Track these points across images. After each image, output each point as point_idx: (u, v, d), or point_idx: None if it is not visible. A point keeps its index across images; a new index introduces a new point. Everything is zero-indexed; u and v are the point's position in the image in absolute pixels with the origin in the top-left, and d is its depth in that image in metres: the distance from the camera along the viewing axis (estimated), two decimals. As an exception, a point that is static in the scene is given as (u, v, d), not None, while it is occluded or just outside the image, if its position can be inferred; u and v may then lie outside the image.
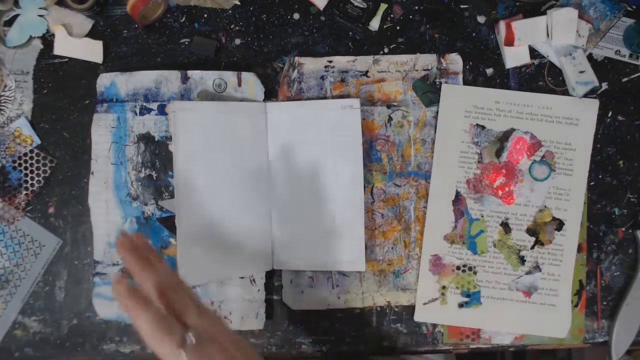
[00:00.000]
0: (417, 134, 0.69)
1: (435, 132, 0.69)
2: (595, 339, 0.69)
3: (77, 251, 0.68)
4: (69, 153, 0.69)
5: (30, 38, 0.68)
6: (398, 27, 0.70)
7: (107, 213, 0.68)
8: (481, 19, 0.70)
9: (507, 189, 0.68)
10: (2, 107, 0.68)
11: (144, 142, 0.68)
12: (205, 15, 0.70)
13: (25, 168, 0.68)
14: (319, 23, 0.70)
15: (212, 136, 0.65)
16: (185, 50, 0.69)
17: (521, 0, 0.69)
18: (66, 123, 0.69)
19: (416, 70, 0.69)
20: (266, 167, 0.68)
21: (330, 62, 0.69)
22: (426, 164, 0.69)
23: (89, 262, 0.68)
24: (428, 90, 0.68)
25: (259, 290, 0.68)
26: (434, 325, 0.69)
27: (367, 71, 0.69)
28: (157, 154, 0.68)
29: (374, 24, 0.69)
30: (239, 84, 0.68)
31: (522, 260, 0.68)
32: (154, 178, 0.68)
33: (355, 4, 0.68)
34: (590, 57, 0.69)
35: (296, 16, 0.70)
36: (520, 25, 0.66)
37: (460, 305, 0.68)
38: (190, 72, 0.68)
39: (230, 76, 0.68)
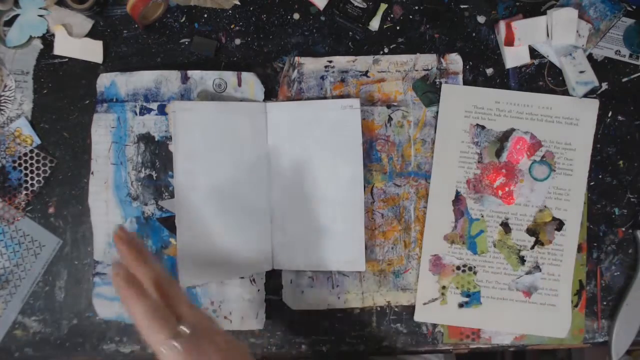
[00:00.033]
0: (417, 134, 0.69)
1: (435, 132, 0.69)
2: (595, 339, 0.69)
3: (77, 251, 0.68)
4: (69, 153, 0.69)
5: (30, 38, 0.68)
6: (398, 27, 0.70)
7: (107, 213, 0.68)
8: (481, 19, 0.70)
9: (507, 189, 0.68)
10: (2, 107, 0.68)
11: (144, 142, 0.68)
12: (205, 15, 0.70)
13: (25, 168, 0.68)
14: (319, 23, 0.70)
15: (212, 136, 0.65)
16: (185, 50, 0.69)
17: (521, 0, 0.69)
18: (66, 123, 0.69)
19: (416, 70, 0.69)
20: (266, 167, 0.68)
21: (330, 62, 0.69)
22: (426, 164, 0.69)
23: (89, 262, 0.68)
24: (428, 90, 0.68)
25: (259, 290, 0.68)
26: (434, 325, 0.69)
27: (367, 71, 0.69)
28: (157, 154, 0.68)
29: (374, 24, 0.69)
30: (239, 84, 0.68)
31: (522, 260, 0.68)
32: (154, 178, 0.68)
33: (355, 4, 0.68)
34: (590, 57, 0.69)
35: (296, 16, 0.70)
36: (520, 25, 0.66)
37: (460, 305, 0.68)
38: (190, 72, 0.68)
39: (230, 76, 0.68)
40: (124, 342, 0.68)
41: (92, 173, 0.68)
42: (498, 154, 0.68)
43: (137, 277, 0.50)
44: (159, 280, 0.51)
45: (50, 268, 0.68)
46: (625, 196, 0.70)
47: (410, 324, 0.69)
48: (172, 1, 0.69)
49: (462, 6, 0.70)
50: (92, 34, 0.69)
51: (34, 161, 0.68)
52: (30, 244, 0.68)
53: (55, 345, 0.68)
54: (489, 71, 0.69)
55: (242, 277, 0.67)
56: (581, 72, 0.67)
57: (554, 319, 0.68)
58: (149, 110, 0.68)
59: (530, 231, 0.68)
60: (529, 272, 0.68)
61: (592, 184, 0.69)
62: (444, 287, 0.68)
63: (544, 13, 0.68)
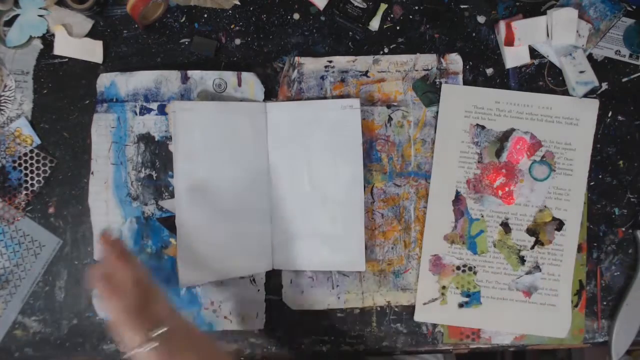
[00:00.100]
0: (417, 134, 0.69)
1: (435, 132, 0.69)
2: (595, 339, 0.69)
3: (77, 251, 0.68)
4: (69, 153, 0.69)
5: (30, 38, 0.68)
6: (398, 27, 0.70)
7: (107, 213, 0.68)
8: (481, 19, 0.70)
9: (507, 189, 0.68)
10: (2, 107, 0.68)
11: (144, 142, 0.68)
12: (205, 15, 0.70)
13: (25, 168, 0.68)
14: (319, 23, 0.70)
15: (212, 136, 0.65)
16: (185, 50, 0.69)
17: (521, 0, 0.69)
18: (66, 123, 0.69)
19: (416, 70, 0.69)
20: (266, 167, 0.68)
21: (330, 62, 0.69)
22: (426, 164, 0.69)
23: (89, 262, 0.68)
24: (428, 90, 0.68)
25: (259, 290, 0.68)
26: (434, 325, 0.69)
27: (367, 71, 0.69)
28: (157, 154, 0.68)
29: (374, 24, 0.69)
30: (239, 84, 0.68)
31: (522, 260, 0.68)
32: (154, 178, 0.68)
33: (355, 4, 0.68)
34: (590, 57, 0.69)
35: (296, 16, 0.70)
36: (520, 25, 0.66)
37: (460, 305, 0.68)
38: (190, 72, 0.68)
39: (230, 76, 0.68)
40: (124, 342, 0.68)
41: (92, 173, 0.68)
42: (498, 154, 0.68)
43: (118, 277, 0.51)
44: (139, 282, 0.51)
45: (50, 268, 0.68)
46: (625, 196, 0.70)
47: (410, 324, 0.69)
48: (172, 1, 0.69)
49: (462, 6, 0.70)
50: (92, 34, 0.69)
51: (34, 161, 0.68)
52: (30, 244, 0.68)
53: (55, 345, 0.68)
54: (489, 71, 0.69)
55: (242, 277, 0.67)
56: (581, 72, 0.67)
57: (554, 319, 0.68)
58: (149, 110, 0.68)
59: (530, 231, 0.68)
60: (529, 272, 0.68)
61: (592, 184, 0.69)
62: (444, 287, 0.68)
63: (544, 13, 0.68)
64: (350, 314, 0.69)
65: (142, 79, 0.68)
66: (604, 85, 0.69)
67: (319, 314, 0.68)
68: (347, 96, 0.69)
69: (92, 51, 0.68)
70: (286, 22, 0.70)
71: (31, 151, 0.68)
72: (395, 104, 0.69)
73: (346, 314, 0.69)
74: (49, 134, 0.69)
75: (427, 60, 0.69)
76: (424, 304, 0.68)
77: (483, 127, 0.68)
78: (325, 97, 0.69)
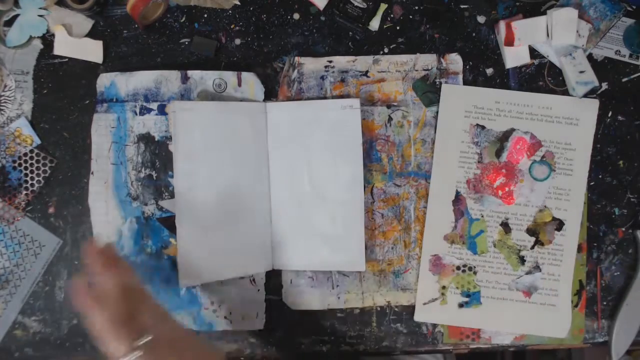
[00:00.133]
0: (417, 134, 0.69)
1: (435, 132, 0.69)
2: (595, 339, 0.69)
3: (77, 251, 0.68)
4: (69, 153, 0.69)
5: (30, 38, 0.68)
6: (398, 27, 0.70)
7: (107, 213, 0.68)
8: (481, 19, 0.70)
9: (507, 189, 0.68)
10: (2, 107, 0.68)
11: (144, 142, 0.68)
12: (205, 15, 0.70)
13: (25, 168, 0.68)
14: (319, 23, 0.70)
15: (212, 136, 0.65)
16: (185, 50, 0.69)
17: (521, 0, 0.69)
18: (66, 123, 0.69)
19: (416, 70, 0.69)
20: (266, 167, 0.68)
21: (330, 62, 0.69)
22: (426, 164, 0.69)
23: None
24: (428, 90, 0.68)
25: (259, 290, 0.68)
26: (434, 325, 0.69)
27: (367, 71, 0.69)
28: (157, 154, 0.68)
29: (374, 24, 0.69)
30: (239, 84, 0.68)
31: (522, 260, 0.68)
32: (154, 178, 0.68)
33: (355, 4, 0.68)
34: (590, 57, 0.69)
35: (296, 16, 0.70)
36: (520, 25, 0.66)
37: (460, 305, 0.68)
38: (190, 72, 0.68)
39: (230, 76, 0.68)
40: (124, 342, 0.68)
41: (92, 173, 0.68)
42: (498, 154, 0.68)
43: (102, 285, 0.50)
44: (126, 290, 0.50)
45: (50, 268, 0.68)
46: (625, 196, 0.70)
47: (410, 324, 0.69)
48: (172, 1, 0.69)
49: (462, 6, 0.70)
50: (92, 34, 0.69)
51: (34, 161, 0.68)
52: (30, 244, 0.68)
53: (55, 345, 0.68)
54: (489, 71, 0.69)
55: (242, 277, 0.67)
56: (581, 72, 0.67)
57: (554, 319, 0.68)
58: (149, 110, 0.68)
59: (530, 231, 0.68)
60: (529, 272, 0.68)
61: (592, 184, 0.69)
62: (444, 287, 0.68)
63: (544, 13, 0.68)
64: (350, 314, 0.69)
65: (142, 79, 0.68)
66: (604, 85, 0.69)
67: (319, 314, 0.68)
68: (347, 96, 0.69)
69: (92, 51, 0.68)
70: (286, 22, 0.70)
71: (31, 151, 0.68)
72: (395, 104, 0.69)
73: (346, 314, 0.69)
74: (49, 134, 0.69)
75: (427, 60, 0.69)
76: (424, 304, 0.68)
77: (483, 127, 0.68)
78: (325, 97, 0.69)
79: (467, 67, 0.69)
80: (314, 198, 0.67)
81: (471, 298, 0.68)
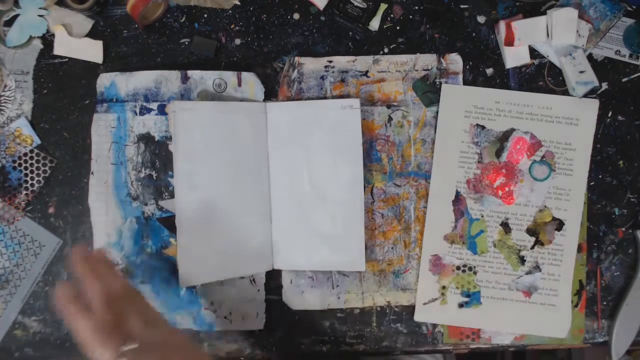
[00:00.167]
0: (417, 134, 0.69)
1: (435, 132, 0.69)
2: (595, 339, 0.69)
3: (77, 251, 0.68)
4: (69, 153, 0.69)
5: (30, 38, 0.68)
6: (398, 27, 0.70)
7: (107, 213, 0.68)
8: (481, 19, 0.70)
9: (507, 189, 0.68)
10: (2, 107, 0.68)
11: (144, 142, 0.68)
12: (205, 15, 0.70)
13: (25, 168, 0.68)
14: (319, 23, 0.70)
15: (212, 136, 0.65)
16: (185, 50, 0.69)
17: (521, 0, 0.69)
18: (66, 123, 0.69)
19: (416, 70, 0.69)
20: (266, 167, 0.68)
21: (330, 62, 0.69)
22: (426, 164, 0.69)
23: (89, 262, 0.68)
24: (428, 90, 0.68)
25: (259, 290, 0.68)
26: (434, 325, 0.69)
27: (367, 71, 0.69)
28: (157, 154, 0.68)
29: (374, 24, 0.69)
30: (239, 84, 0.68)
31: (522, 260, 0.68)
32: (154, 178, 0.68)
33: (355, 4, 0.68)
34: (590, 57, 0.69)
35: (296, 16, 0.70)
36: (520, 25, 0.66)
37: (460, 305, 0.68)
38: (190, 72, 0.68)
39: (230, 76, 0.68)
40: (124, 342, 0.68)
41: (92, 173, 0.68)
42: (498, 154, 0.68)
43: (89, 292, 0.50)
44: (108, 296, 0.50)
45: (50, 268, 0.68)
46: (625, 196, 0.70)
47: (410, 324, 0.69)
48: (172, 1, 0.69)
49: (462, 6, 0.70)
50: (92, 34, 0.69)
51: (34, 161, 0.68)
52: (30, 244, 0.68)
53: (55, 345, 0.68)
54: (489, 71, 0.69)
55: (242, 277, 0.67)
56: (581, 72, 0.67)
57: (554, 319, 0.68)
58: (149, 110, 0.68)
59: (530, 231, 0.68)
60: (529, 272, 0.68)
61: (592, 184, 0.69)
62: (444, 287, 0.68)
63: (544, 13, 0.68)
64: (350, 314, 0.69)
65: (142, 79, 0.68)
66: (604, 85, 0.69)
67: (319, 314, 0.68)
68: (347, 96, 0.69)
69: (92, 51, 0.68)
70: (286, 22, 0.70)
71: (31, 151, 0.68)
72: (395, 104, 0.69)
73: (346, 314, 0.69)
74: (49, 134, 0.69)
75: (427, 60, 0.69)
76: (424, 304, 0.68)
77: (483, 127, 0.68)
78: (325, 97, 0.69)
79: (467, 67, 0.69)
80: (314, 198, 0.67)
81: (471, 298, 0.68)
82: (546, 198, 0.68)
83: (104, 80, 0.68)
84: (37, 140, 0.68)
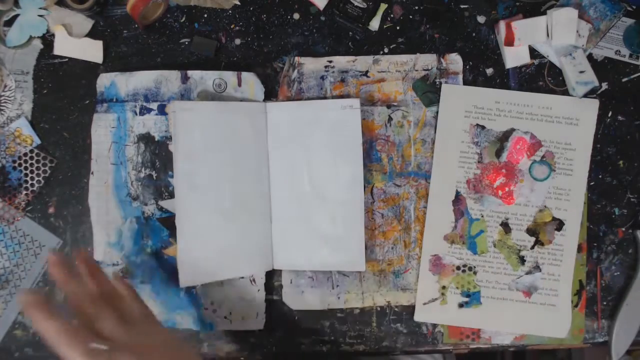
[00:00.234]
0: (417, 134, 0.69)
1: (435, 132, 0.69)
2: (595, 339, 0.69)
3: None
4: (69, 153, 0.69)
5: (30, 38, 0.68)
6: (398, 27, 0.70)
7: (107, 213, 0.68)
8: (481, 19, 0.70)
9: (507, 189, 0.68)
10: (2, 107, 0.68)
11: (144, 142, 0.68)
12: (205, 15, 0.70)
13: (25, 168, 0.68)
14: (319, 23, 0.70)
15: (212, 136, 0.65)
16: (185, 50, 0.69)
17: (521, 0, 0.69)
18: (66, 123, 0.69)
19: (416, 70, 0.69)
20: (266, 167, 0.68)
21: (330, 62, 0.69)
22: (426, 164, 0.69)
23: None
24: (428, 90, 0.68)
25: (259, 290, 0.68)
26: (434, 325, 0.69)
27: (367, 71, 0.69)
28: (157, 154, 0.68)
29: (374, 24, 0.69)
30: (239, 84, 0.68)
31: (522, 260, 0.68)
32: (154, 178, 0.68)
33: (355, 4, 0.68)
34: (590, 57, 0.69)
35: (296, 16, 0.70)
36: (520, 25, 0.66)
37: (460, 305, 0.68)
38: (190, 72, 0.68)
39: (230, 76, 0.68)
40: (124, 342, 0.68)
41: (92, 173, 0.68)
42: (498, 154, 0.68)
43: (64, 294, 0.50)
44: (79, 298, 0.50)
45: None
46: (625, 196, 0.70)
47: (410, 324, 0.69)
48: (172, 1, 0.69)
49: (462, 6, 0.70)
50: (92, 34, 0.69)
51: (34, 161, 0.68)
52: (30, 244, 0.68)
53: (55, 345, 0.68)
54: (489, 71, 0.69)
55: (242, 277, 0.67)
56: (581, 72, 0.67)
57: (554, 319, 0.68)
58: (149, 110, 0.68)
59: (530, 231, 0.68)
60: (529, 272, 0.68)
61: (592, 184, 0.69)
62: (444, 287, 0.68)
63: (544, 13, 0.68)
64: (350, 314, 0.69)
65: (142, 79, 0.68)
66: (604, 85, 0.69)
67: (319, 314, 0.68)
68: (347, 96, 0.69)
69: (92, 51, 0.68)
70: (286, 22, 0.70)
71: (31, 151, 0.68)
72: (395, 104, 0.69)
73: (346, 314, 0.69)
74: (49, 134, 0.69)
75: (427, 60, 0.69)
76: (424, 304, 0.68)
77: (483, 127, 0.68)
78: (325, 97, 0.69)
79: (467, 67, 0.69)
80: (314, 198, 0.67)
81: (471, 298, 0.68)
82: (546, 198, 0.68)
83: (104, 80, 0.68)
84: (37, 140, 0.68)
